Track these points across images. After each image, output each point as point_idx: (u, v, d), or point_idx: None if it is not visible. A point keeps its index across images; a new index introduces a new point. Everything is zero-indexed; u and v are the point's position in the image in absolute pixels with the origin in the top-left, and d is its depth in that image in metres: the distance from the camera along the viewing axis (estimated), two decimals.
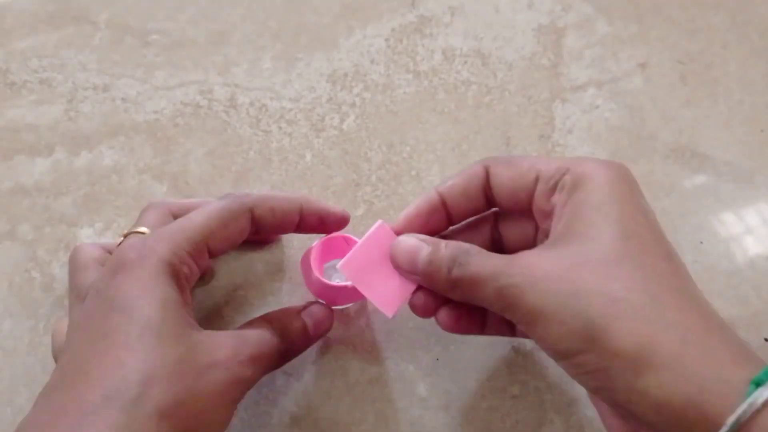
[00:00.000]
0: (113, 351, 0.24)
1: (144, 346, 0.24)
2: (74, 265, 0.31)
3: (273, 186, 0.38)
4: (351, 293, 0.30)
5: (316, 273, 0.31)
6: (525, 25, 0.43)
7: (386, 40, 0.43)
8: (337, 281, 0.31)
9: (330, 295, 0.32)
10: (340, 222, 0.33)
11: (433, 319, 0.30)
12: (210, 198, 0.36)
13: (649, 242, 0.25)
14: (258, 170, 0.39)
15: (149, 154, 0.39)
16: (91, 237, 0.37)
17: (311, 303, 0.32)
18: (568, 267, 0.24)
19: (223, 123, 0.40)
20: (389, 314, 0.29)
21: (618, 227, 0.25)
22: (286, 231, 0.33)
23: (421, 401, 0.33)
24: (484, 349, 0.34)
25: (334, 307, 0.34)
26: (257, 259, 0.36)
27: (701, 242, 0.37)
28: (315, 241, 0.33)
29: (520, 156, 0.29)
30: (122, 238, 0.29)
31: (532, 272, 0.25)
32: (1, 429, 0.33)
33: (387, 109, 0.41)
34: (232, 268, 0.36)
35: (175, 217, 0.32)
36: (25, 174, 0.38)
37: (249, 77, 0.41)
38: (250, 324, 0.30)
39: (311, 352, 0.34)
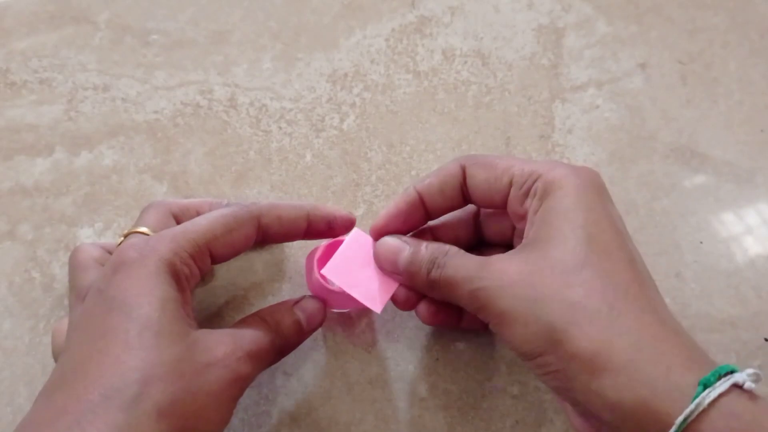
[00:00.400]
0: (112, 350, 0.24)
1: (143, 345, 0.24)
2: (74, 265, 0.31)
3: (273, 186, 0.38)
4: (347, 298, 0.31)
5: (317, 274, 0.31)
6: (525, 25, 0.43)
7: (386, 40, 0.43)
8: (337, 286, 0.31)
9: (328, 298, 0.32)
10: (347, 225, 0.33)
11: None
12: (210, 198, 0.36)
13: (611, 248, 0.26)
14: (258, 170, 0.39)
15: (149, 154, 0.39)
16: (91, 237, 0.37)
17: (303, 297, 0.32)
18: (532, 272, 0.26)
19: (223, 123, 0.40)
20: (377, 309, 0.30)
21: (582, 233, 0.26)
22: (293, 238, 0.33)
23: (421, 401, 0.33)
24: (484, 349, 0.34)
25: (334, 310, 0.34)
26: (257, 259, 0.36)
27: (701, 242, 0.37)
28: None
29: (496, 156, 0.30)
30: (122, 238, 0.29)
31: (501, 277, 0.26)
32: (1, 429, 0.33)
33: (387, 109, 0.41)
34: (232, 268, 0.36)
35: (176, 217, 0.32)
36: (25, 174, 0.39)
37: (249, 77, 0.41)
38: (245, 321, 0.30)
39: (311, 352, 0.34)
